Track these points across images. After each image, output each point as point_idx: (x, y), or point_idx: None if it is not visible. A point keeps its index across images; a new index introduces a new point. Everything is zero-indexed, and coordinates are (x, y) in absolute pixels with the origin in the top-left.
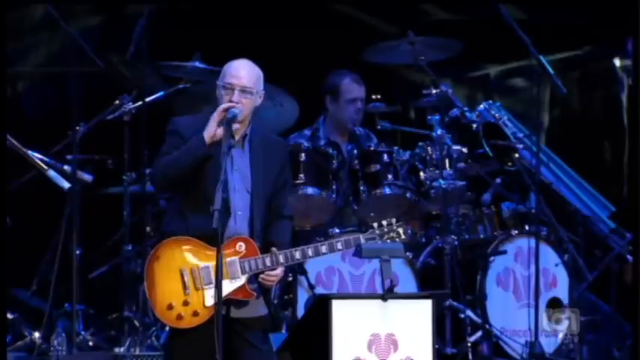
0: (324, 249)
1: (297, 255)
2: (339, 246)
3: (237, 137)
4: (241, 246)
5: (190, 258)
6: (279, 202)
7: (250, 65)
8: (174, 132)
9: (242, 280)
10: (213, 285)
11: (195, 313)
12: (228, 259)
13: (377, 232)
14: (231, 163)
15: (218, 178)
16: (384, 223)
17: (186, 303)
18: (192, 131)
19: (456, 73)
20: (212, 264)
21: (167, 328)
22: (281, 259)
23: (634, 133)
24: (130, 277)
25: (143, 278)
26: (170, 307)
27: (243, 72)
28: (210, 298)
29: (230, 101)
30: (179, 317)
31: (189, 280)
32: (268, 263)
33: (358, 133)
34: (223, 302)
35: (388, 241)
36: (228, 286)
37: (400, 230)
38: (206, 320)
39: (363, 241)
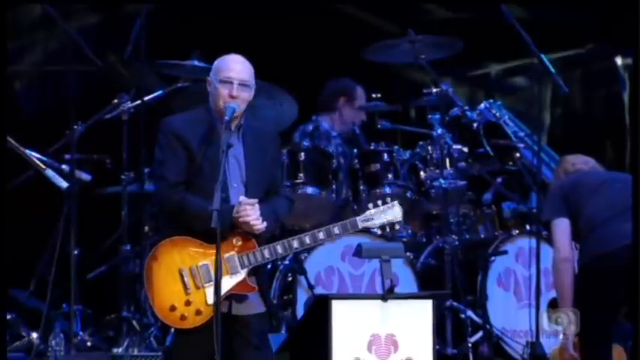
0: (321, 235)
1: (295, 244)
2: (336, 230)
3: (232, 128)
4: (238, 240)
5: (188, 257)
6: (275, 186)
7: (244, 60)
8: (167, 132)
9: (242, 274)
10: (213, 282)
11: (199, 312)
12: (226, 255)
13: (373, 212)
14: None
15: (215, 176)
16: (379, 202)
17: (188, 303)
18: (188, 129)
19: (457, 72)
20: (210, 261)
21: (172, 330)
22: (279, 249)
23: (635, 133)
24: (128, 278)
25: (141, 278)
26: (173, 308)
27: (240, 66)
28: (211, 296)
29: (230, 95)
30: (183, 318)
31: (189, 279)
32: (267, 255)
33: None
34: (225, 298)
35: (385, 220)
36: (228, 282)
37: (396, 208)
38: (210, 318)
39: (359, 223)
